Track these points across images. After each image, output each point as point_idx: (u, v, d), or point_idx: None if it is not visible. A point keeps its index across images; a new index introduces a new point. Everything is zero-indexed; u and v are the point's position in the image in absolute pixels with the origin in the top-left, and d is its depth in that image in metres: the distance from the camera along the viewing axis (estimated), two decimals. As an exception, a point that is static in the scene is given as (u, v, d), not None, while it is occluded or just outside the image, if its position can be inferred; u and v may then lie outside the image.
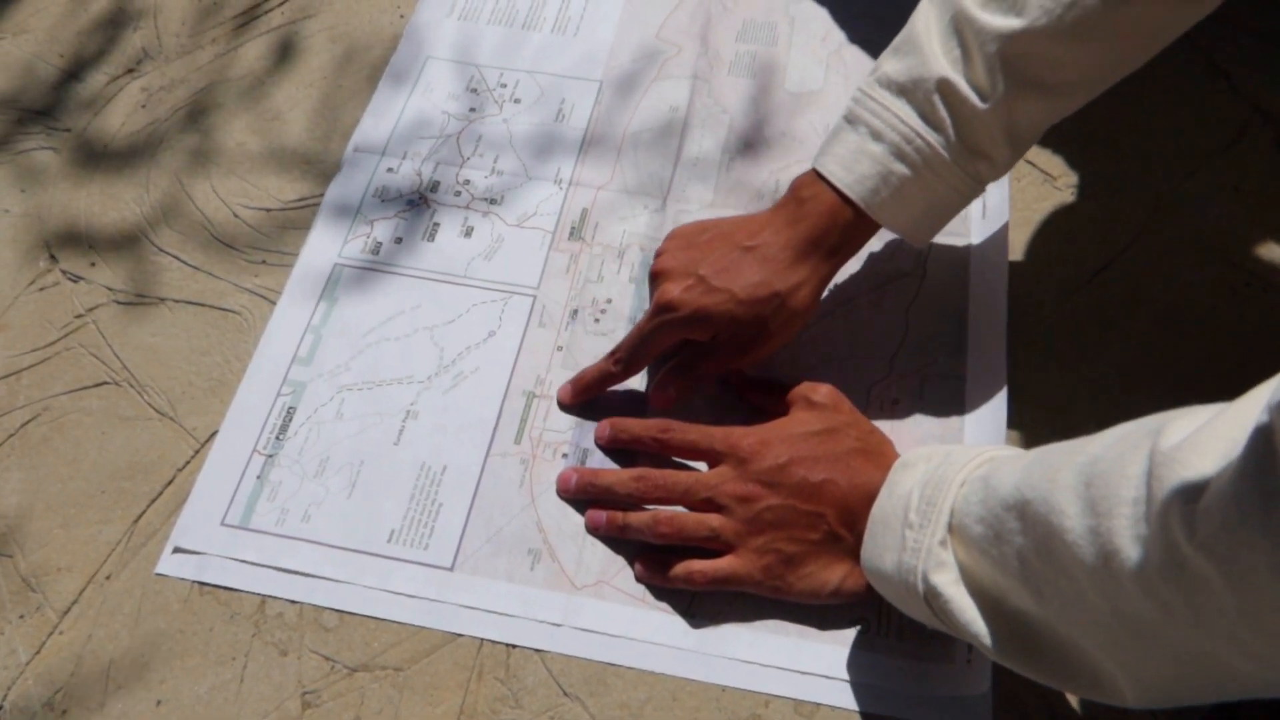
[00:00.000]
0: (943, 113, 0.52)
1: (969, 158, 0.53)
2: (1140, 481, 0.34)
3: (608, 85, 0.75)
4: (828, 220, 0.55)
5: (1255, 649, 0.32)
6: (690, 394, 0.59)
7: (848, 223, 0.55)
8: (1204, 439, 0.32)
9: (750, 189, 0.69)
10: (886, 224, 0.55)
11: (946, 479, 0.45)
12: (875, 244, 0.65)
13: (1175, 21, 0.50)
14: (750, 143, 0.72)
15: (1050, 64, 0.50)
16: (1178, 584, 0.32)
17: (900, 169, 0.53)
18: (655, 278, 0.58)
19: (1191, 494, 0.31)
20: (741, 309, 0.55)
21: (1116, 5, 0.48)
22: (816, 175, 0.55)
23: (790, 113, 0.73)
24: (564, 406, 0.61)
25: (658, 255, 0.59)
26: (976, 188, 0.55)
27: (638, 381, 0.62)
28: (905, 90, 0.53)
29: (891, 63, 0.54)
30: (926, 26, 0.53)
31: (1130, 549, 0.34)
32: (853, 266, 0.64)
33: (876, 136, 0.53)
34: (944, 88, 0.52)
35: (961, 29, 0.51)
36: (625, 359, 0.59)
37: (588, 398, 0.61)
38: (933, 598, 0.45)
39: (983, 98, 0.51)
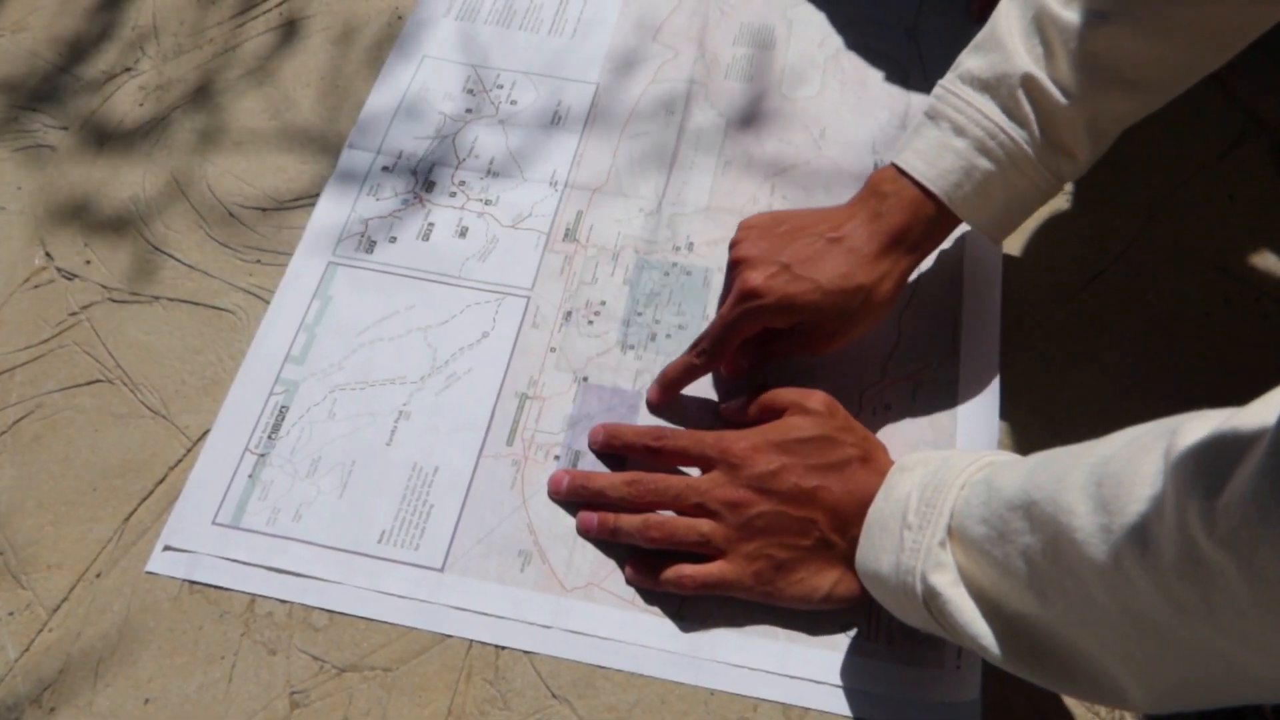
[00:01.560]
0: (1027, 108, 0.52)
1: (1052, 154, 0.53)
2: (1155, 479, 0.34)
3: (604, 87, 0.75)
4: (910, 214, 0.55)
5: (1269, 647, 0.32)
6: (760, 368, 0.59)
7: (929, 217, 0.55)
8: (1222, 437, 0.32)
9: (746, 192, 0.69)
10: (967, 218, 0.55)
11: (946, 482, 0.45)
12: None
13: (1257, 18, 0.50)
14: (746, 146, 0.72)
15: (1133, 61, 0.51)
16: (1194, 580, 0.32)
17: (984, 164, 0.53)
18: (735, 265, 0.58)
19: (1211, 490, 0.31)
20: (827, 299, 0.54)
21: (1199, 2, 0.48)
22: (897, 171, 0.55)
23: (786, 116, 0.73)
24: (653, 408, 0.61)
25: (734, 244, 0.59)
26: (1056, 185, 0.55)
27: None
28: (988, 86, 0.53)
29: (974, 59, 0.54)
30: (1008, 24, 0.53)
31: (1145, 545, 0.34)
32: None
33: (959, 132, 0.54)
34: (1028, 83, 0.52)
35: (1044, 26, 0.52)
36: (709, 349, 0.58)
37: (675, 394, 0.60)
38: (931, 599, 0.44)
39: (1066, 94, 0.52)
